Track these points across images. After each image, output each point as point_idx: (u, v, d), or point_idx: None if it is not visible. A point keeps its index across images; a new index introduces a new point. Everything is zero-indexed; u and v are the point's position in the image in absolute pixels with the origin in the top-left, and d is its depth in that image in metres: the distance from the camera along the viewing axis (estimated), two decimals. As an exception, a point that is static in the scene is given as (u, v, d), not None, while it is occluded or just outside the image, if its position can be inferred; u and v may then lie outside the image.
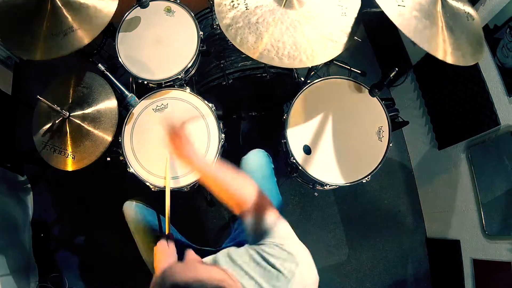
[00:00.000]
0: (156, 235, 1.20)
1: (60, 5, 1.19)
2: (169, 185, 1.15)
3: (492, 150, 1.52)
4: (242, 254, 0.76)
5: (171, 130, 0.95)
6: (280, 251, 0.72)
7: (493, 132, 1.50)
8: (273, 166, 1.30)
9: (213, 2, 1.20)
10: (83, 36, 1.18)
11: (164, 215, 1.33)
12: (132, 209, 1.22)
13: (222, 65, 1.51)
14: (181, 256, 1.18)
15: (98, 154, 1.29)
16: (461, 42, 1.06)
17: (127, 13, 1.37)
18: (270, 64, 1.11)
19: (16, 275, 1.64)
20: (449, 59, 1.00)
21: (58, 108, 1.25)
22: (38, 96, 1.23)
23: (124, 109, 1.34)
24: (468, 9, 1.14)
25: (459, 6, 1.12)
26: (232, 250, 0.80)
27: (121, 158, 1.30)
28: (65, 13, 1.19)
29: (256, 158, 1.26)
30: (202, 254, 1.19)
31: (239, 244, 1.18)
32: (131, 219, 1.21)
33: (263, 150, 1.31)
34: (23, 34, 1.21)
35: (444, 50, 1.00)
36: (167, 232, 1.10)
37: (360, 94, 1.38)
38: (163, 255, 1.03)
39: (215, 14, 1.19)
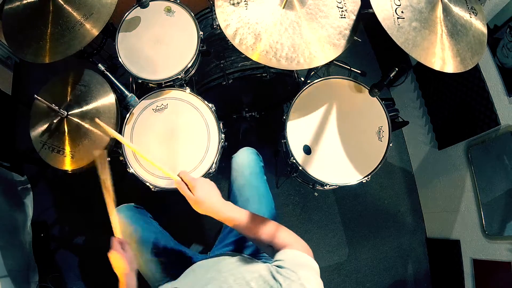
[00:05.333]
0: (149, 244, 1.18)
1: (62, 2, 1.20)
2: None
3: (492, 150, 1.52)
4: (253, 270, 0.76)
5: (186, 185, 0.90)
6: (293, 275, 0.71)
7: (493, 132, 1.50)
8: (262, 164, 1.31)
9: (213, 2, 1.20)
10: (92, 28, 1.18)
11: (154, 217, 1.32)
12: (122, 219, 1.18)
13: (222, 65, 1.51)
14: (175, 262, 1.18)
15: (97, 153, 1.29)
16: (461, 47, 1.07)
17: (127, 13, 1.37)
18: (269, 65, 1.12)
19: (16, 275, 1.64)
20: (448, 69, 1.04)
21: (56, 107, 1.24)
22: (35, 95, 1.23)
23: (124, 109, 1.34)
24: (472, 3, 1.15)
25: (462, 3, 1.12)
26: (244, 264, 0.81)
27: (121, 158, 1.30)
28: (69, 9, 1.20)
29: (245, 156, 1.28)
30: (196, 259, 1.19)
31: (238, 249, 1.19)
32: (122, 230, 1.19)
33: (252, 148, 1.32)
34: (30, 38, 1.21)
35: (442, 59, 1.04)
36: (115, 234, 1.02)
37: (360, 94, 1.38)
38: (121, 262, 1.00)
39: (215, 14, 1.19)
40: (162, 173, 0.99)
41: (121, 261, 0.99)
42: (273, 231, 0.86)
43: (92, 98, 1.34)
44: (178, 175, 0.90)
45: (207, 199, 0.88)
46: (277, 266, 0.74)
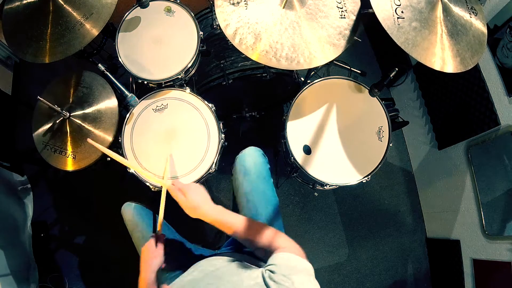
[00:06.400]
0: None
1: (62, 2, 1.20)
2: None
3: (492, 150, 1.52)
4: (250, 277, 0.76)
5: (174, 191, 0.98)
6: (286, 281, 0.70)
7: (493, 132, 1.50)
8: (269, 167, 1.25)
9: (213, 2, 1.20)
10: (92, 28, 1.18)
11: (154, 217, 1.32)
12: (130, 211, 1.21)
13: (222, 65, 1.51)
14: (178, 255, 1.18)
15: (98, 153, 1.29)
16: (460, 47, 1.08)
17: (127, 13, 1.37)
18: (269, 65, 1.12)
19: (16, 275, 1.64)
20: (448, 69, 1.05)
21: (59, 109, 1.25)
22: (38, 97, 1.23)
23: (124, 109, 1.34)
24: (472, 3, 1.15)
25: (462, 3, 1.13)
26: (241, 269, 0.82)
27: (121, 158, 1.30)
28: (69, 9, 1.20)
29: (251, 157, 1.22)
30: (198, 256, 1.20)
31: (237, 248, 1.19)
32: (128, 221, 1.20)
33: (259, 149, 1.26)
34: (30, 38, 1.21)
35: (442, 59, 1.04)
36: (158, 230, 1.08)
37: (360, 94, 1.38)
38: (149, 255, 1.02)
39: (215, 14, 1.19)
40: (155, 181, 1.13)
41: (149, 255, 1.02)
42: (262, 234, 0.88)
43: (94, 100, 1.34)
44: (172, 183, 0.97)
45: (197, 203, 0.94)
46: (270, 271, 0.73)
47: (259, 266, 0.83)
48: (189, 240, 1.28)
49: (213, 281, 0.80)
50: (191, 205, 0.93)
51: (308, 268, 0.76)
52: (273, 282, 0.70)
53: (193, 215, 0.94)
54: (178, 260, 1.15)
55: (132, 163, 1.21)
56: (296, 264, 0.76)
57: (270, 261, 0.78)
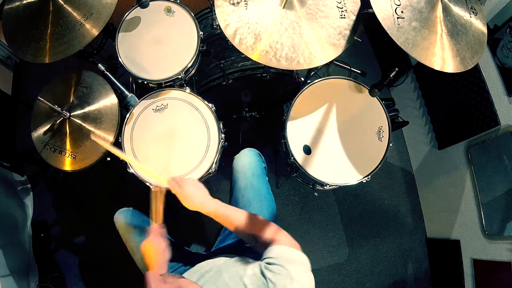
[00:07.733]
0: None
1: (62, 2, 1.20)
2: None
3: (492, 150, 1.52)
4: (247, 269, 0.78)
5: (173, 185, 1.00)
6: (282, 270, 0.73)
7: (493, 132, 1.50)
8: (264, 166, 1.31)
9: (213, 2, 1.20)
10: (92, 28, 1.18)
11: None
12: (121, 220, 1.20)
13: (222, 65, 1.51)
14: (175, 259, 1.18)
15: (99, 154, 1.29)
16: (460, 47, 1.08)
17: (127, 13, 1.37)
18: (269, 65, 1.12)
19: (16, 275, 1.64)
20: (448, 68, 1.04)
21: (59, 109, 1.25)
22: (38, 97, 1.23)
23: (124, 109, 1.34)
24: (472, 3, 1.15)
25: (461, 3, 1.13)
26: (239, 263, 0.83)
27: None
28: (69, 9, 1.20)
29: (247, 157, 1.28)
30: (195, 258, 1.20)
31: (230, 248, 1.19)
32: (122, 230, 1.20)
33: (254, 149, 1.32)
34: (30, 38, 1.21)
35: (442, 59, 1.04)
36: (155, 223, 1.02)
37: (360, 94, 1.38)
38: (157, 249, 0.98)
39: (215, 14, 1.19)
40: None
41: (157, 250, 0.97)
42: (257, 225, 0.90)
43: (94, 99, 1.34)
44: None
45: (193, 194, 0.97)
46: (267, 263, 0.76)
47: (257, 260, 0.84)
48: (187, 242, 1.29)
49: (212, 273, 0.83)
50: (187, 196, 0.96)
51: (304, 260, 0.79)
52: (269, 271, 0.73)
53: (190, 207, 0.97)
54: (177, 265, 1.17)
55: (133, 161, 1.24)
56: (292, 255, 0.79)
57: (267, 253, 0.80)
